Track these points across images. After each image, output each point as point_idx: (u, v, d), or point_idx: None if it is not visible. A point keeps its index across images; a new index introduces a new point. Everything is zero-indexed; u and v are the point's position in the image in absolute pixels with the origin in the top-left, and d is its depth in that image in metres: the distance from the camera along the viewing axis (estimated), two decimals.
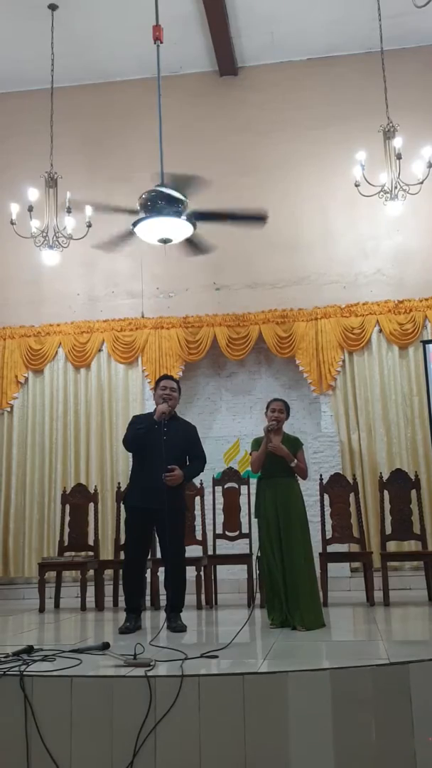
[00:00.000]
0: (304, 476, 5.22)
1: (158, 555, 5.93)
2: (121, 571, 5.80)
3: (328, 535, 6.37)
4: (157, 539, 5.31)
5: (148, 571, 6.21)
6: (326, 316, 8.00)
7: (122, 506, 5.50)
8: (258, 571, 4.98)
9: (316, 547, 5.45)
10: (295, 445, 5.19)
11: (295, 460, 5.08)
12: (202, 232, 5.78)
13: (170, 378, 5.39)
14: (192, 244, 5.91)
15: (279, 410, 5.18)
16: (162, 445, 4.87)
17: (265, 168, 8.31)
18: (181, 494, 5.19)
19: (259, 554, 4.97)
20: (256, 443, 5.21)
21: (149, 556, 5.73)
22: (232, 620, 5.30)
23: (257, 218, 5.80)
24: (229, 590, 6.95)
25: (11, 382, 8.36)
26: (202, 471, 5.27)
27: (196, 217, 5.54)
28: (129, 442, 5.21)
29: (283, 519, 4.95)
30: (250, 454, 5.28)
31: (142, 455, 5.08)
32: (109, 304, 8.41)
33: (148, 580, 6.26)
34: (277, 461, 5.06)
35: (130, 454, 5.59)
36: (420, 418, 7.64)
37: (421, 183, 6.65)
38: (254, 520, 5.35)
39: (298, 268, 8.19)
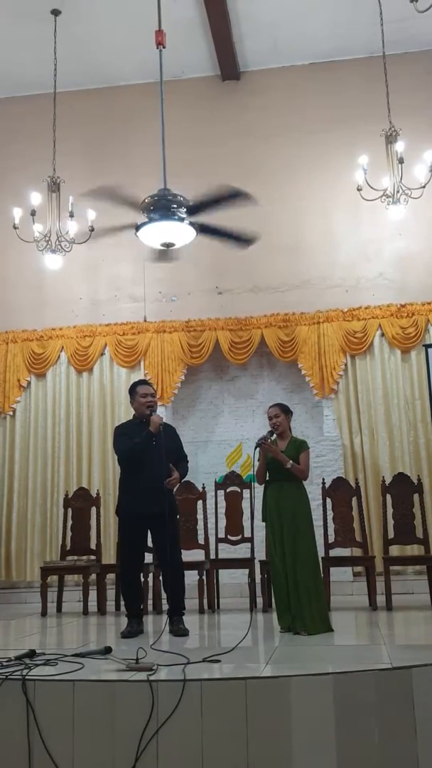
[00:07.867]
0: (303, 477, 5.13)
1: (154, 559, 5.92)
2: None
3: (331, 539, 6.36)
4: (153, 544, 5.31)
5: (150, 575, 6.23)
6: (328, 320, 8.00)
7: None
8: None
9: (319, 551, 5.43)
10: (299, 447, 5.14)
11: (290, 462, 4.99)
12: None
13: (147, 383, 5.46)
14: (233, 238, 5.77)
15: (275, 415, 5.17)
16: (155, 450, 4.91)
17: (267, 172, 8.31)
18: (173, 497, 5.26)
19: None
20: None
21: (147, 561, 5.73)
22: (234, 624, 5.30)
23: (245, 240, 5.77)
24: (231, 594, 6.95)
25: (13, 386, 8.37)
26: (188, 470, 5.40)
27: (193, 225, 5.52)
28: (127, 458, 5.12)
29: (287, 523, 4.93)
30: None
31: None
32: (112, 308, 8.42)
33: (150, 584, 6.26)
34: (280, 466, 5.02)
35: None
36: (422, 421, 7.64)
37: (423, 187, 6.65)
38: (257, 525, 5.34)
39: (301, 271, 8.19)
